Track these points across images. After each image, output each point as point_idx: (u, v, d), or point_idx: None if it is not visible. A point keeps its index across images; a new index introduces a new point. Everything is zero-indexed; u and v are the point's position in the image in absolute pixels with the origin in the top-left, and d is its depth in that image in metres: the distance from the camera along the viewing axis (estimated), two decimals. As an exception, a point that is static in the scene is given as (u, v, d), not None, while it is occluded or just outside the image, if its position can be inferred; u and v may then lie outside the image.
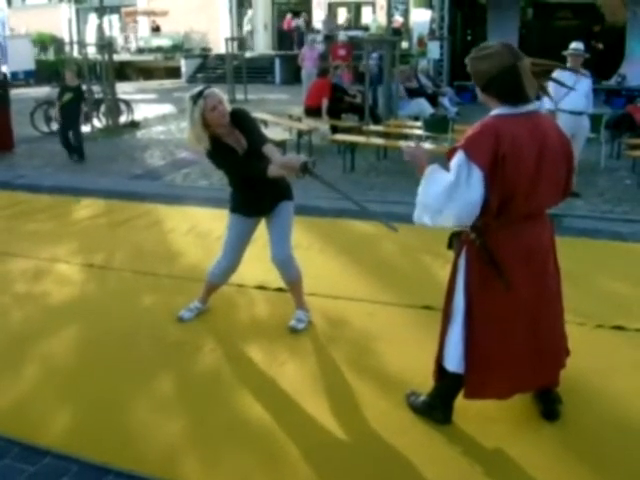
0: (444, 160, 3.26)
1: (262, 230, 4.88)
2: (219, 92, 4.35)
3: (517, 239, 3.28)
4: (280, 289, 5.38)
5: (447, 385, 3.60)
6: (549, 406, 3.67)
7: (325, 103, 12.78)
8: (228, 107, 4.37)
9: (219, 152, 4.42)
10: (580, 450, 3.42)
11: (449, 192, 3.12)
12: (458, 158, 3.11)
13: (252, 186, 4.52)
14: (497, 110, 3.20)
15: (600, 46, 19.62)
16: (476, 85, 3.24)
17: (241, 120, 4.45)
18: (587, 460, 3.34)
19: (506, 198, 3.12)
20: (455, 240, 3.45)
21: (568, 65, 7.94)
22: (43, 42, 31.43)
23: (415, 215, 3.35)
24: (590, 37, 16.26)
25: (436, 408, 3.63)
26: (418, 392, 3.76)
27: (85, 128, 14.67)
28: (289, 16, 30.55)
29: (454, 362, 3.46)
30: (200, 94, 4.24)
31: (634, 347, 4.55)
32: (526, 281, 3.32)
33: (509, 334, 3.37)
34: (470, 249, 3.33)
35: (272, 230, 4.72)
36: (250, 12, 32.02)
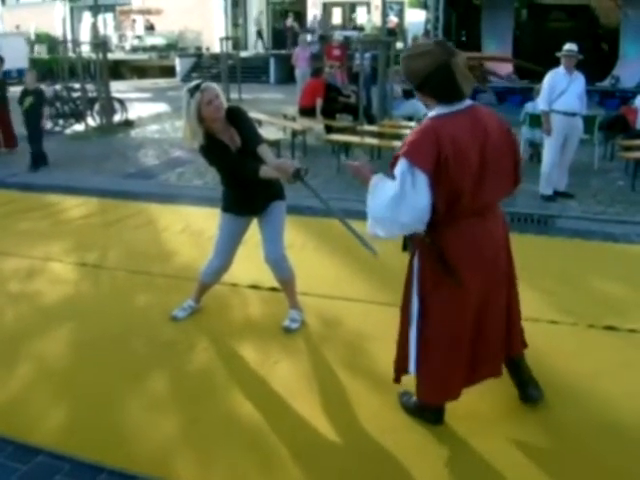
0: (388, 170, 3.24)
1: (256, 229, 4.88)
2: (216, 86, 4.36)
3: (466, 236, 3.26)
4: (274, 288, 5.39)
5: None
6: (524, 390, 3.72)
7: (319, 103, 12.78)
8: (224, 102, 4.37)
9: (212, 148, 4.41)
10: (571, 450, 3.44)
11: (396, 201, 3.09)
12: (401, 165, 3.09)
13: (245, 185, 4.52)
14: (435, 111, 3.18)
15: (605, 47, 19.66)
16: (411, 85, 3.22)
17: (237, 118, 4.45)
18: (578, 460, 3.36)
19: (452, 198, 3.11)
20: (409, 242, 3.45)
21: (561, 67, 7.98)
22: (41, 40, 31.41)
23: (368, 227, 3.31)
24: (585, 38, 16.29)
25: (424, 409, 3.64)
26: (410, 392, 3.77)
27: (79, 127, 14.69)
28: (290, 18, 30.52)
29: (412, 364, 3.47)
30: (197, 87, 4.26)
31: (626, 347, 4.57)
32: (476, 278, 3.30)
33: (458, 335, 3.36)
34: (422, 249, 3.32)
35: (265, 229, 4.72)
36: (256, 11, 31.90)
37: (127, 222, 7.77)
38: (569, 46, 8.21)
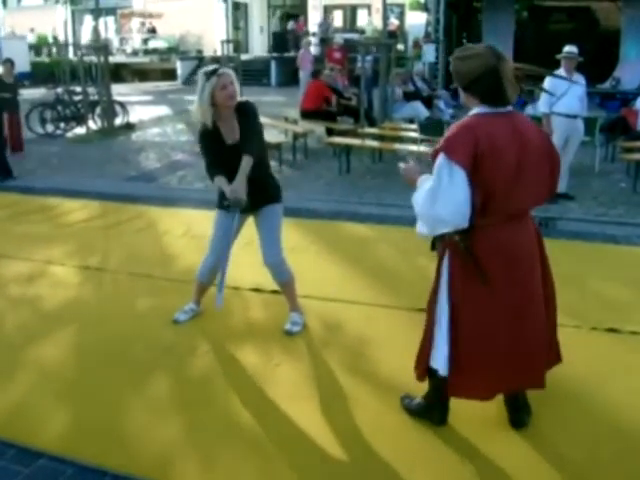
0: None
1: (255, 232, 4.88)
2: (233, 73, 4.41)
3: (499, 240, 3.26)
4: (275, 291, 5.38)
5: (438, 385, 3.57)
6: (515, 414, 3.65)
7: (334, 100, 12.93)
8: (238, 90, 4.40)
9: (209, 135, 4.45)
10: (575, 452, 3.43)
11: (433, 196, 3.12)
12: (439, 160, 3.12)
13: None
14: (476, 109, 3.21)
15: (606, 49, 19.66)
16: (458, 85, 3.26)
17: (243, 115, 4.46)
18: (582, 463, 3.35)
19: (486, 197, 3.11)
20: (438, 243, 3.44)
21: (561, 69, 7.98)
22: (40, 44, 31.42)
23: (417, 228, 3.39)
24: (586, 40, 16.31)
25: (432, 409, 3.64)
26: (412, 395, 3.77)
27: (80, 130, 14.70)
28: (301, 20, 30.47)
29: (440, 363, 3.44)
30: (214, 71, 4.31)
31: (628, 350, 4.57)
32: (509, 282, 3.29)
33: (491, 336, 3.34)
34: (453, 251, 3.31)
35: (262, 234, 4.72)
36: (278, 13, 31.81)
37: (128, 225, 7.78)
38: (569, 48, 8.21)
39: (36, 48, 30.89)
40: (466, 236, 3.21)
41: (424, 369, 3.58)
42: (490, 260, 3.23)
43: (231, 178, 4.42)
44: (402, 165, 3.60)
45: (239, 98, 4.47)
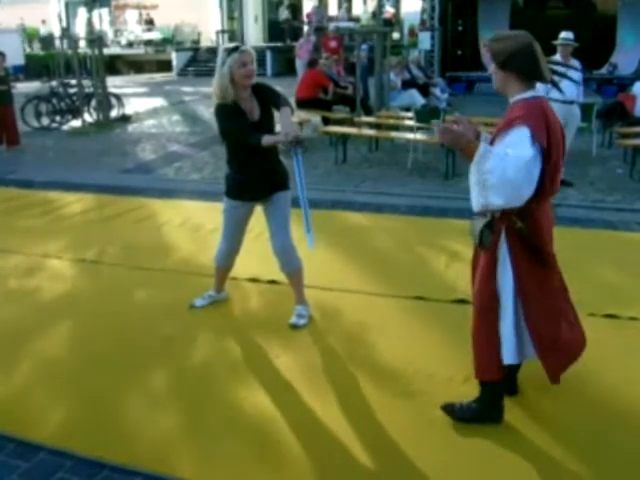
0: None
1: (254, 222, 4.87)
2: (253, 52, 4.41)
3: (548, 218, 3.39)
4: (273, 281, 5.39)
5: (500, 381, 3.53)
6: (514, 383, 3.77)
7: (331, 89, 12.91)
8: (255, 71, 4.41)
9: (231, 111, 4.39)
10: (572, 437, 3.43)
11: (529, 166, 3.05)
12: (522, 131, 3.06)
13: (248, 169, 4.52)
14: (525, 93, 3.21)
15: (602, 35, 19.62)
16: (495, 65, 3.25)
17: (263, 91, 4.49)
18: (579, 447, 3.35)
19: (555, 174, 3.22)
20: (486, 232, 3.29)
21: (557, 55, 7.96)
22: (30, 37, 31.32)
23: (479, 200, 3.18)
24: (582, 26, 16.26)
25: (493, 408, 3.56)
26: (456, 402, 3.64)
27: (76, 123, 14.66)
28: (311, 9, 30.18)
29: (509, 354, 3.41)
30: (236, 48, 4.33)
31: (626, 335, 4.58)
32: (555, 255, 3.45)
33: (561, 306, 3.50)
34: (511, 236, 3.28)
35: (271, 221, 4.69)
36: (286, 1, 31.31)
37: (125, 217, 7.76)
38: (565, 34, 8.20)
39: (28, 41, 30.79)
40: (525, 218, 3.24)
41: (499, 366, 3.46)
42: (546, 238, 3.35)
43: (247, 164, 4.45)
44: (436, 122, 3.49)
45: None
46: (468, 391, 3.69)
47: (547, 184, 3.16)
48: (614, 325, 4.72)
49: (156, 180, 9.68)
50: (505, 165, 3.04)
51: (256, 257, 5.67)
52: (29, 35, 31.75)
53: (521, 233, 3.25)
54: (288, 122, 4.32)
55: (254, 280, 5.57)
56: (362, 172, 9.73)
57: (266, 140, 4.29)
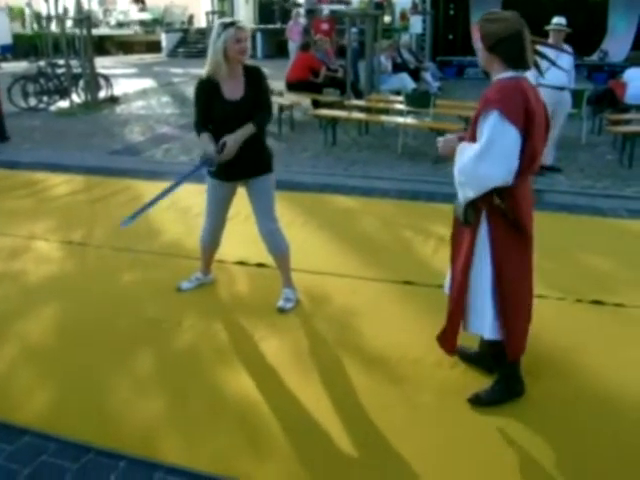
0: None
1: (241, 205, 4.84)
2: (249, 29, 4.39)
3: (528, 197, 3.44)
4: (260, 264, 5.37)
5: (502, 353, 3.58)
6: (487, 363, 3.83)
7: (323, 72, 12.87)
8: (250, 49, 4.39)
9: (206, 87, 4.40)
10: (558, 424, 3.45)
11: (483, 153, 3.17)
12: (491, 119, 3.16)
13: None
14: (506, 73, 3.28)
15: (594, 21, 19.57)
16: (483, 45, 3.32)
17: (257, 80, 4.47)
18: (565, 433, 3.37)
19: (533, 154, 3.24)
20: (470, 210, 3.41)
21: (549, 40, 7.93)
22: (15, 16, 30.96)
23: (459, 196, 3.40)
24: (574, 12, 16.19)
25: (513, 382, 3.66)
26: (480, 391, 3.67)
27: (63, 103, 14.53)
28: None
29: (487, 328, 3.49)
30: (232, 23, 4.30)
31: (613, 322, 4.59)
32: (532, 236, 3.49)
33: (528, 289, 3.55)
34: (491, 215, 3.35)
35: (255, 203, 4.66)
36: None
37: (113, 199, 7.70)
38: (557, 20, 8.16)
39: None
40: (504, 197, 3.29)
41: (455, 341, 3.65)
42: (525, 216, 3.38)
43: (221, 135, 4.39)
44: (440, 139, 3.63)
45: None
46: (455, 376, 3.70)
47: (526, 163, 3.22)
48: (600, 311, 4.73)
49: (144, 162, 9.62)
50: (462, 164, 3.29)
51: (244, 240, 5.64)
52: (13, 14, 31.36)
53: (500, 209, 3.31)
54: (231, 139, 4.31)
55: (242, 263, 5.55)
56: (352, 155, 9.69)
57: (201, 137, 4.42)
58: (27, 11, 31.24)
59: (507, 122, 3.12)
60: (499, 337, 3.49)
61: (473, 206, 3.38)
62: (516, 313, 3.48)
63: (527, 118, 3.15)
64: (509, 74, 3.27)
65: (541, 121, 3.28)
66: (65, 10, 15.76)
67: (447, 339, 3.70)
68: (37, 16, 28.10)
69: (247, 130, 4.34)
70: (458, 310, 3.58)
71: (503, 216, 3.33)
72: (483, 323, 3.50)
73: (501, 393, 3.64)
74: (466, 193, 3.35)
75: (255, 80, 4.45)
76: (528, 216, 3.43)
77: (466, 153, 3.30)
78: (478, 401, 3.62)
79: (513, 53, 3.25)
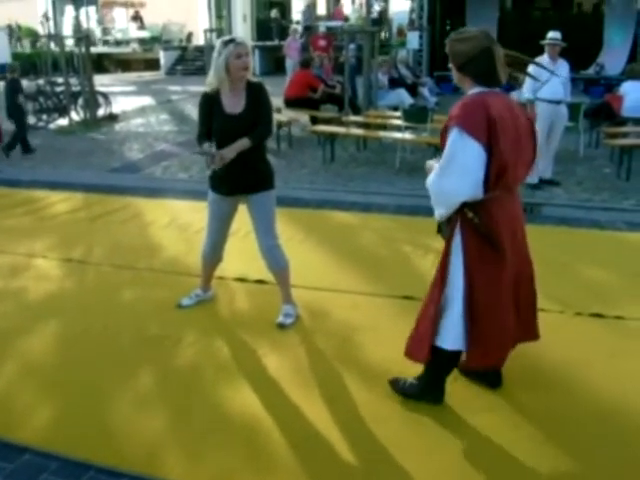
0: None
1: (241, 221, 4.86)
2: (249, 45, 4.48)
3: (506, 211, 3.40)
4: (260, 281, 5.38)
5: (441, 364, 3.62)
6: (490, 378, 3.84)
7: (321, 89, 12.94)
8: (252, 64, 4.46)
9: (209, 101, 4.49)
10: (559, 437, 3.44)
11: (445, 169, 3.23)
12: (452, 136, 3.20)
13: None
14: (474, 89, 3.33)
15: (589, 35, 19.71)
16: (453, 65, 3.38)
17: (259, 95, 4.51)
18: (566, 447, 3.36)
19: (500, 169, 3.22)
20: (444, 225, 3.48)
21: (545, 55, 7.99)
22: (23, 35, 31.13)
23: (435, 214, 3.46)
24: (570, 26, 16.31)
25: (430, 389, 3.69)
26: (402, 377, 3.80)
27: (63, 121, 14.57)
28: (341, 3, 30.01)
29: (453, 341, 3.48)
30: (232, 40, 4.39)
31: (612, 334, 4.59)
32: (513, 251, 3.45)
33: (504, 302, 3.49)
34: (464, 227, 3.37)
35: (256, 221, 4.67)
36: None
37: (112, 217, 7.72)
38: (553, 34, 8.23)
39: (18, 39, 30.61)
40: (477, 211, 3.30)
41: (428, 351, 3.58)
42: (501, 231, 3.36)
43: (222, 148, 4.41)
44: (429, 162, 3.67)
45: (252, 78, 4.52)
46: (455, 390, 3.69)
47: (494, 176, 3.22)
48: (600, 324, 4.73)
49: (143, 179, 9.64)
50: (429, 181, 3.38)
51: (244, 257, 5.65)
52: (24, 34, 31.54)
53: (473, 223, 3.32)
54: (230, 149, 4.34)
55: (241, 280, 5.55)
56: (350, 171, 9.72)
57: (201, 146, 4.46)
58: (40, 30, 31.36)
59: (467, 137, 3.15)
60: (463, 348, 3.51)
61: (447, 219, 3.43)
62: (485, 323, 3.44)
63: (490, 129, 3.16)
64: (477, 90, 3.31)
65: (510, 129, 3.24)
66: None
67: (418, 351, 3.65)
68: (34, 35, 28.32)
69: (243, 143, 4.37)
70: (427, 324, 3.56)
71: (476, 230, 3.34)
72: (452, 336, 3.48)
73: (416, 391, 3.73)
74: (438, 210, 3.40)
75: (256, 95, 4.50)
76: (506, 231, 3.39)
77: (433, 170, 3.36)
78: (402, 384, 3.79)
79: (482, 71, 3.30)
